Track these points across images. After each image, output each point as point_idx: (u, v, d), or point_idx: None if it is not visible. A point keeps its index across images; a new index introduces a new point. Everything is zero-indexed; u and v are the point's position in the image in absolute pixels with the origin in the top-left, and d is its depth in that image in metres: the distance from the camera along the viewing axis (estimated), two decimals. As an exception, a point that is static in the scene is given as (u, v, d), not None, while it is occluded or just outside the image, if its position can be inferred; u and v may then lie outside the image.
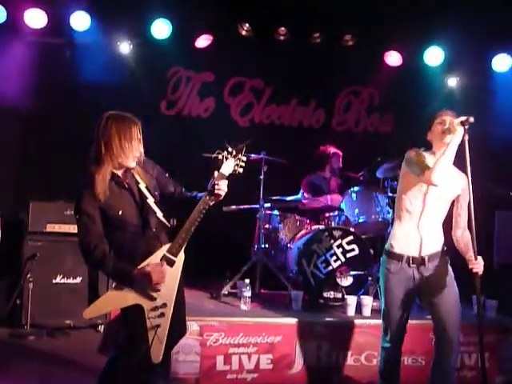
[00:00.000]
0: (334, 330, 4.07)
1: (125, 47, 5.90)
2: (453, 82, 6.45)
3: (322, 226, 4.97)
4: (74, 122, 5.45)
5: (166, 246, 2.83)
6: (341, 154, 5.65)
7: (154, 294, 2.76)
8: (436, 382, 3.26)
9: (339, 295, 4.59)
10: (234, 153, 2.86)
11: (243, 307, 4.30)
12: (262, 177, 5.04)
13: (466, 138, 2.99)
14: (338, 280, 4.63)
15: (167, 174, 3.08)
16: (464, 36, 5.99)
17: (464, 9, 5.65)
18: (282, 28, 6.07)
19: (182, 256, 2.84)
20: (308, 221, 5.24)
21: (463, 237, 3.23)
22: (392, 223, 3.33)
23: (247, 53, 6.13)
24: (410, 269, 3.15)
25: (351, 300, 4.28)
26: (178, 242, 2.81)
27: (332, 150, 5.61)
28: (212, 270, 5.28)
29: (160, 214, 2.88)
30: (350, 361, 4.04)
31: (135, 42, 5.94)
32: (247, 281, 4.39)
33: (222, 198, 2.87)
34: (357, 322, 4.12)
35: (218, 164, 2.88)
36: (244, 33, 6.02)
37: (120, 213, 2.76)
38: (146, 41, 5.92)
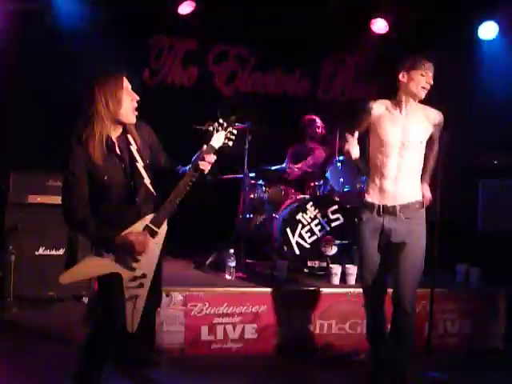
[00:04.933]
0: (319, 298, 4.08)
1: (106, 13, 5.75)
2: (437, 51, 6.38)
3: (306, 196, 4.95)
4: (55, 92, 5.34)
5: (150, 216, 2.77)
6: (316, 119, 5.61)
7: (134, 264, 2.72)
8: (395, 330, 3.25)
9: (324, 264, 4.60)
10: (225, 125, 2.79)
11: (228, 277, 4.30)
12: (246, 146, 4.98)
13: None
14: (323, 249, 4.64)
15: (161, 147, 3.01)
16: (450, 3, 5.92)
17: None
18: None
19: (164, 228, 2.80)
20: (293, 190, 5.22)
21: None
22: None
23: (231, 20, 6.01)
24: (381, 218, 3.14)
25: (336, 269, 4.29)
26: (162, 214, 2.76)
27: (307, 117, 5.58)
28: (196, 240, 5.26)
29: (147, 181, 2.80)
30: (334, 329, 4.06)
31: (116, 8, 5.79)
32: (232, 251, 4.38)
33: (206, 172, 2.80)
34: (341, 290, 4.13)
35: (207, 136, 2.81)
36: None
37: (106, 178, 2.68)
38: (128, 6, 5.77)
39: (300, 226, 4.67)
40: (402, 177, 3.14)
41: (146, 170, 2.80)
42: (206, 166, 2.77)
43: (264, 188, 5.23)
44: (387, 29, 6.20)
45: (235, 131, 2.81)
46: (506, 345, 4.30)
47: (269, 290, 4.06)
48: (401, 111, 3.16)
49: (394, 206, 3.12)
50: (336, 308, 4.07)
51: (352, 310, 4.05)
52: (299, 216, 4.68)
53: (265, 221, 5.18)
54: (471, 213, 5.50)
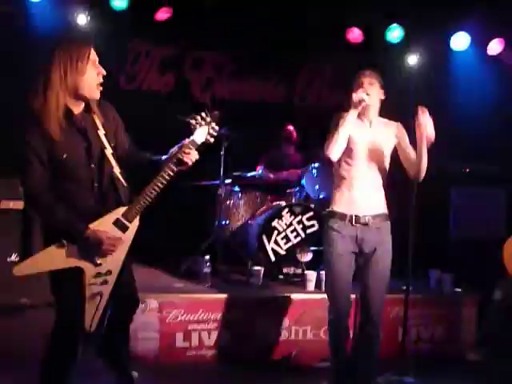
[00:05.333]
0: (294, 305, 4.10)
1: (82, 18, 5.71)
2: (413, 59, 6.47)
3: (282, 203, 4.98)
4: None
5: (122, 209, 2.56)
6: (293, 126, 5.64)
7: (100, 260, 2.52)
8: (359, 348, 3.29)
9: (299, 271, 4.63)
10: (209, 119, 2.63)
11: (203, 283, 4.29)
12: (222, 153, 5.00)
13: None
14: (298, 256, 4.67)
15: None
16: (424, 14, 6.02)
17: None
18: (244, 2, 5.97)
19: (136, 223, 2.59)
20: (269, 197, 5.25)
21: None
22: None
23: (209, 27, 6.02)
24: (353, 227, 3.14)
25: (311, 275, 4.31)
26: (135, 208, 2.55)
27: (285, 123, 5.64)
28: (172, 246, 5.24)
29: (117, 170, 2.59)
30: (309, 335, 4.08)
31: (92, 13, 5.76)
32: (207, 257, 4.38)
33: (189, 166, 2.60)
34: (316, 296, 4.16)
35: (189, 129, 2.64)
36: (205, 6, 5.89)
37: (64, 156, 2.44)
38: (104, 12, 5.75)
39: (275, 232, 4.70)
40: (370, 188, 3.17)
41: (115, 158, 2.59)
42: (189, 160, 2.58)
43: (240, 194, 5.24)
44: (362, 38, 6.28)
45: (217, 128, 2.66)
46: (476, 349, 4.36)
47: (244, 296, 4.07)
48: (367, 123, 3.21)
49: (365, 217, 3.14)
50: (311, 314, 4.09)
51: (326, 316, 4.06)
52: (275, 223, 4.71)
53: (240, 227, 5.19)
54: (444, 220, 5.59)
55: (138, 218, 2.59)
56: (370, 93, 3.09)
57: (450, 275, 4.60)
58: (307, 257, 4.66)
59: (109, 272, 2.55)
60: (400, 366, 3.74)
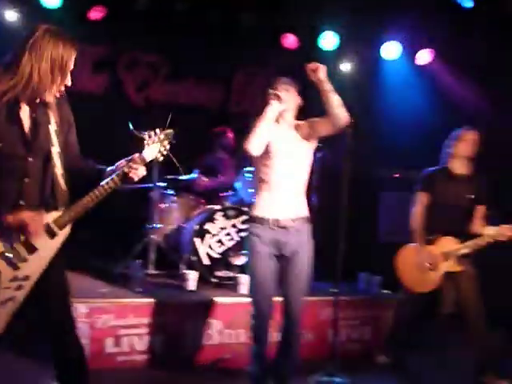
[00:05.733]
0: (227, 308, 4.12)
1: (11, 16, 5.53)
2: (346, 67, 6.65)
3: (216, 206, 4.99)
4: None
5: (54, 214, 2.38)
6: (228, 131, 5.68)
7: (20, 263, 2.33)
8: (280, 347, 3.33)
9: (232, 274, 4.65)
10: (162, 137, 2.54)
11: (135, 288, 4.23)
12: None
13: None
14: (232, 259, 4.69)
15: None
16: (357, 22, 6.19)
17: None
18: (179, 4, 5.95)
19: (66, 231, 2.42)
20: (202, 200, 5.24)
21: None
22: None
23: (143, 27, 5.95)
24: (273, 231, 3.18)
25: (244, 278, 4.34)
26: (69, 215, 2.38)
27: (219, 128, 5.65)
28: (104, 250, 5.15)
29: (59, 171, 2.42)
30: (242, 338, 4.10)
31: (23, 11, 5.58)
32: (139, 261, 4.33)
33: (133, 182, 2.48)
34: (249, 299, 4.17)
35: (139, 144, 2.50)
36: (139, 6, 5.84)
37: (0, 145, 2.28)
38: (34, 9, 5.58)
39: (209, 236, 4.70)
40: (290, 191, 3.22)
41: (60, 157, 2.42)
42: (136, 176, 2.45)
43: (173, 198, 5.21)
44: (297, 44, 6.38)
45: (169, 146, 2.58)
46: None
47: (177, 300, 4.05)
48: (285, 127, 3.26)
49: (285, 220, 3.18)
50: (244, 317, 4.09)
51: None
52: (208, 226, 4.71)
53: (173, 231, 5.16)
54: (373, 223, 5.77)
55: (69, 226, 2.43)
56: (286, 99, 3.17)
57: (377, 278, 4.74)
58: (240, 260, 4.69)
59: (26, 277, 2.36)
60: (330, 367, 3.81)
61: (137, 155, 2.48)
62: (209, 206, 5.06)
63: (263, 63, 6.60)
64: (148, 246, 4.84)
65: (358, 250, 5.35)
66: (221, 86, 6.63)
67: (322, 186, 5.23)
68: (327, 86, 3.08)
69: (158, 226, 5.05)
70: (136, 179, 2.47)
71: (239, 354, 4.01)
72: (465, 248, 3.87)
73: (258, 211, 3.23)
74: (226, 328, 4.08)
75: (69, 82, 2.39)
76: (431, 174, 4.10)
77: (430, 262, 3.96)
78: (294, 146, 3.24)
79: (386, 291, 4.78)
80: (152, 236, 4.87)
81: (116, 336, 3.80)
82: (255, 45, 6.24)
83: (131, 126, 2.94)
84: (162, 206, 5.16)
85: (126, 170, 2.44)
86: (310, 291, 3.37)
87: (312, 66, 3.08)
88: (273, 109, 3.14)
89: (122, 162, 2.51)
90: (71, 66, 2.37)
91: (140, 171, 2.46)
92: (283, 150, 3.21)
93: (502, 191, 4.20)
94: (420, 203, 4.08)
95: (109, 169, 2.53)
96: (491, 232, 3.85)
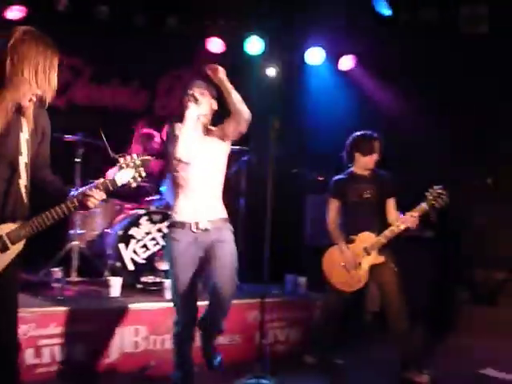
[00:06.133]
0: (152, 314, 4.05)
1: None
2: (271, 72, 6.70)
3: (141, 211, 4.89)
4: None
5: (9, 227, 2.28)
6: (153, 133, 5.61)
7: None
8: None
9: (158, 279, 4.58)
10: (138, 163, 2.43)
11: (57, 296, 4.09)
12: (78, 159, 4.82)
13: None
14: (157, 264, 4.62)
15: None
16: (282, 27, 6.29)
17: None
18: (103, 7, 5.83)
19: (19, 247, 2.32)
20: (127, 205, 5.13)
21: None
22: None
23: (65, 30, 5.76)
24: (194, 235, 3.19)
25: (169, 283, 4.27)
26: (24, 230, 2.29)
27: (144, 130, 5.57)
28: (23, 257, 4.93)
29: (23, 182, 2.30)
30: (167, 344, 4.03)
31: None
32: (61, 268, 4.19)
33: (89, 208, 2.42)
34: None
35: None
36: (61, 8, 5.67)
37: None
38: None
39: (134, 241, 4.61)
40: (207, 194, 3.24)
41: (26, 170, 2.30)
42: (92, 205, 2.38)
43: (97, 202, 5.06)
44: (223, 48, 6.39)
45: (144, 174, 2.48)
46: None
47: (101, 307, 3.94)
48: (199, 132, 3.26)
49: (205, 223, 3.19)
50: (169, 323, 4.03)
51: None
52: (133, 231, 4.62)
53: (97, 237, 5.02)
54: (300, 225, 5.84)
55: (23, 242, 2.33)
56: (201, 103, 3.18)
57: (303, 279, 4.80)
58: (166, 265, 4.61)
59: None
60: (257, 369, 3.81)
61: (102, 181, 2.39)
62: (133, 211, 4.96)
63: (189, 67, 6.56)
64: (70, 253, 4.69)
65: (285, 252, 5.42)
66: (146, 89, 6.54)
67: (248, 190, 5.27)
68: (228, 85, 3.17)
69: (81, 231, 4.90)
70: (92, 207, 2.40)
71: (165, 360, 3.94)
72: (382, 238, 4.03)
73: (178, 216, 3.22)
74: (152, 334, 4.01)
75: (54, 90, 2.29)
76: (339, 179, 4.30)
77: (354, 259, 4.06)
78: (209, 150, 3.26)
79: (312, 292, 4.85)
80: (74, 242, 4.72)
81: (36, 347, 3.64)
82: (181, 48, 6.21)
83: (108, 146, 2.82)
84: (85, 210, 5.00)
85: (80, 198, 2.35)
86: (237, 292, 3.35)
87: (211, 67, 3.18)
88: (191, 112, 3.15)
89: (86, 188, 2.40)
90: (55, 71, 2.28)
91: (98, 197, 2.38)
92: (198, 155, 3.21)
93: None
94: (332, 209, 4.27)
95: (72, 192, 2.42)
96: (400, 220, 4.00)
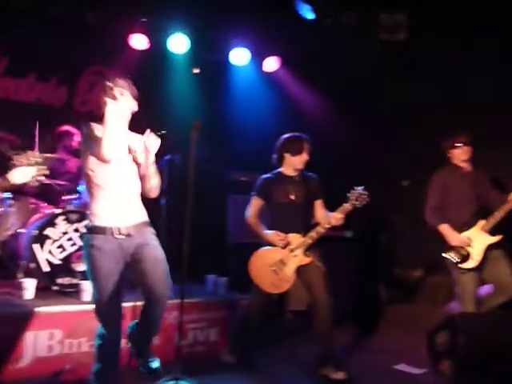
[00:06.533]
0: (68, 317, 3.93)
1: None
2: (196, 71, 6.65)
3: (57, 210, 4.73)
4: None
5: None
6: (72, 131, 5.46)
7: None
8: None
9: (75, 281, 4.45)
10: (40, 160, 2.34)
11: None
12: (-10, 156, 4.60)
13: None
14: (74, 265, 4.48)
15: None
16: (207, 26, 6.26)
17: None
18: None
19: None
20: (43, 204, 4.96)
21: None
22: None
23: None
24: (117, 240, 3.10)
25: (86, 285, 4.17)
26: None
27: (63, 128, 5.41)
28: None
29: None
30: (84, 347, 3.93)
31: None
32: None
33: None
34: (91, 307, 4.02)
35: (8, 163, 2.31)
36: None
37: None
38: None
39: (49, 241, 4.45)
40: (128, 197, 3.17)
41: None
42: None
43: (10, 201, 4.85)
44: (147, 45, 6.28)
45: (47, 172, 2.40)
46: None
47: (13, 311, 3.79)
48: (119, 131, 3.18)
49: (128, 227, 3.12)
50: (86, 325, 3.94)
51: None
52: (48, 231, 4.46)
53: (11, 237, 4.80)
54: (222, 226, 5.85)
55: None
56: (121, 101, 3.13)
57: (224, 279, 4.81)
58: (83, 266, 4.49)
59: None
60: (176, 370, 3.77)
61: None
62: (49, 210, 4.79)
63: (111, 63, 6.41)
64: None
65: (207, 252, 5.41)
66: (66, 84, 6.33)
67: (170, 190, 5.21)
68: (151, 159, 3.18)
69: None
70: None
71: (81, 364, 3.85)
72: (308, 239, 4.09)
73: (98, 220, 3.10)
74: (67, 338, 3.89)
75: None
76: (265, 179, 4.33)
77: (280, 261, 4.10)
78: (129, 149, 3.18)
79: (233, 292, 4.86)
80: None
81: None
82: (103, 44, 6.06)
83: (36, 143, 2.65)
84: (-2, 210, 4.80)
85: None
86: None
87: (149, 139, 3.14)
88: (110, 109, 3.04)
89: None
90: None
91: None
92: (120, 155, 3.13)
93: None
94: (253, 206, 4.30)
95: None
96: (325, 220, 4.09)
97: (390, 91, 6.32)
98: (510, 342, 3.91)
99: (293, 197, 4.21)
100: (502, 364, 3.81)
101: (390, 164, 6.33)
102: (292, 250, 4.12)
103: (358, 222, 6.37)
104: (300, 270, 4.15)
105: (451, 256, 4.37)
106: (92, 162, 3.09)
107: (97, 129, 3.10)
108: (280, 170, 4.33)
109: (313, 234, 4.09)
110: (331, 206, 4.16)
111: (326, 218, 4.11)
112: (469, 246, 4.33)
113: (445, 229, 4.38)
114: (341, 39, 6.23)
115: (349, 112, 6.49)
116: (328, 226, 4.07)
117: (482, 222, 4.36)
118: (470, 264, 4.30)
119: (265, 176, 4.34)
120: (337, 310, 4.24)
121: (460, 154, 4.57)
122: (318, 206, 4.29)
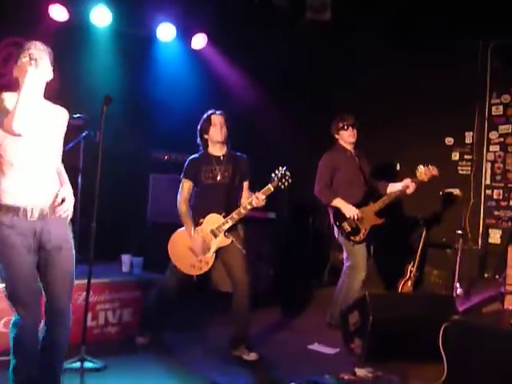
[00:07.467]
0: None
1: None
2: (120, 45, 6.43)
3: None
4: None
5: None
6: None
7: None
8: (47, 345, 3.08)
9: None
10: None
11: None
12: None
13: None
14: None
15: None
16: (132, 1, 6.07)
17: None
18: None
19: None
20: None
21: None
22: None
23: None
24: (30, 221, 2.85)
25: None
26: None
27: None
28: None
29: None
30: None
31: None
32: None
33: None
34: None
35: None
36: None
37: None
38: None
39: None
40: (43, 175, 2.91)
41: None
42: None
43: None
44: (67, 16, 6.01)
45: None
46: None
47: None
48: (37, 100, 2.92)
49: (43, 206, 2.88)
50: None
51: (6, 307, 3.80)
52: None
53: None
54: (143, 205, 5.73)
55: None
56: (41, 66, 2.84)
57: (140, 259, 4.71)
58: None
59: None
60: (87, 352, 3.67)
61: None
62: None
63: (28, 34, 6.10)
64: None
65: (126, 232, 5.29)
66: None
67: (86, 167, 5.05)
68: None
69: None
70: None
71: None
72: (230, 220, 4.05)
73: (9, 199, 2.83)
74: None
75: None
76: (192, 160, 4.25)
77: (202, 245, 4.05)
78: (46, 123, 2.92)
79: (148, 272, 4.77)
80: None
81: None
82: (21, 14, 5.76)
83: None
84: None
85: None
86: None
87: None
88: (30, 76, 2.77)
89: None
90: None
91: None
92: (35, 128, 2.85)
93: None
94: (184, 190, 4.20)
95: None
96: (247, 201, 4.03)
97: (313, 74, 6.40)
98: (417, 321, 4.02)
99: (219, 177, 4.15)
100: (409, 342, 3.91)
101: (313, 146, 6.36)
102: (212, 231, 4.06)
103: (287, 203, 6.41)
104: (220, 252, 4.10)
105: (344, 227, 4.70)
106: (0, 134, 2.82)
107: (7, 98, 2.83)
108: (206, 150, 4.25)
109: (234, 215, 4.04)
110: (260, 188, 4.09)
111: (248, 199, 4.08)
112: (359, 220, 4.70)
113: (339, 202, 4.73)
114: (270, 19, 6.17)
115: (278, 92, 6.50)
116: (249, 207, 4.02)
117: (371, 204, 4.79)
118: (358, 238, 4.72)
119: (192, 157, 4.26)
120: (259, 290, 4.23)
121: (347, 136, 4.79)
122: (245, 187, 4.25)
